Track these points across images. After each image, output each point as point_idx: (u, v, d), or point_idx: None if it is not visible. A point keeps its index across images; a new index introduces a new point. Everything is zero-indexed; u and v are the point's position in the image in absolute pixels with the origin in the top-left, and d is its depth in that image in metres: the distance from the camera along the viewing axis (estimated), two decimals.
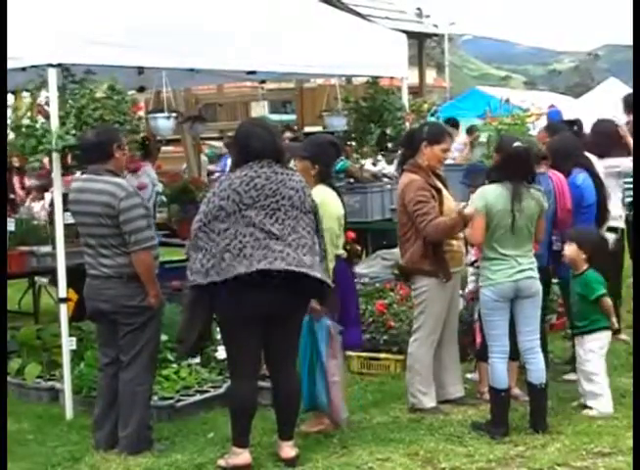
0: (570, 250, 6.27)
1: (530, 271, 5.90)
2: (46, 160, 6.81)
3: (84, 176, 5.84)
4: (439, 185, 6.36)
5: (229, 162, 12.02)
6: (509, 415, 5.96)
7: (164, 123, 7.23)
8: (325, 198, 5.83)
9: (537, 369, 5.93)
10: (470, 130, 14.54)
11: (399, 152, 8.42)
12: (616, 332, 6.65)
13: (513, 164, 5.89)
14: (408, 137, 6.64)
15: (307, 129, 13.35)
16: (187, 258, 5.47)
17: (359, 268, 8.99)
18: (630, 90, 13.84)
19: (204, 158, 16.42)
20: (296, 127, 14.34)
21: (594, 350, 6.21)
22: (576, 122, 8.43)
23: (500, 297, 5.85)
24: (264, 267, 5.20)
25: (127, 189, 5.66)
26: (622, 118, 9.57)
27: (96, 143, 5.75)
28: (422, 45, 17.99)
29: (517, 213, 5.81)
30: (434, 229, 6.14)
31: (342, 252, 6.09)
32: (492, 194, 5.88)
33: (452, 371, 6.54)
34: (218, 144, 18.57)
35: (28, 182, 11.47)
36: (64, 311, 6.34)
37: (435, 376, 6.43)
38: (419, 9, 18.75)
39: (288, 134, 11.12)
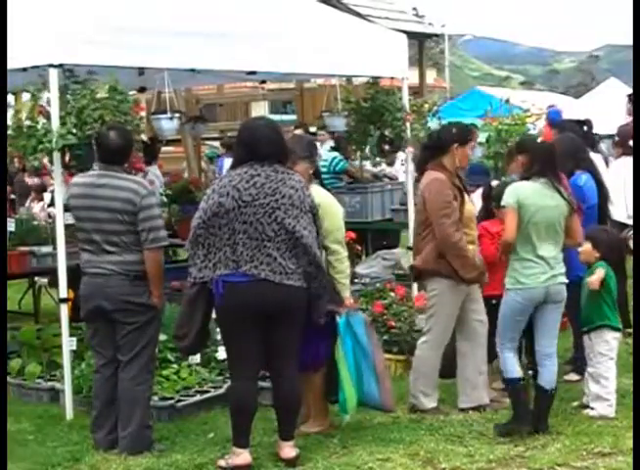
0: (583, 248, 6.25)
1: (562, 276, 5.86)
2: (45, 160, 6.81)
3: (96, 172, 5.82)
4: (461, 186, 6.39)
5: (226, 162, 12.05)
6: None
7: (168, 124, 7.23)
8: (326, 198, 5.84)
9: (551, 373, 5.91)
10: None
11: (411, 153, 8.45)
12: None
13: (547, 158, 5.89)
14: (437, 139, 6.52)
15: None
16: (189, 255, 5.49)
17: (359, 268, 9.00)
18: (630, 90, 13.87)
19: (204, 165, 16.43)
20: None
21: (603, 352, 6.21)
22: (586, 122, 8.42)
23: (529, 301, 5.79)
24: (247, 271, 5.24)
25: (148, 188, 5.71)
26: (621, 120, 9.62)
27: (123, 144, 5.75)
28: (422, 45, 17.98)
29: (545, 208, 5.78)
30: (455, 241, 6.10)
31: None
32: (525, 189, 5.84)
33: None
34: (218, 144, 18.59)
35: (30, 181, 11.49)
36: (64, 311, 6.33)
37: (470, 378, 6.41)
38: (415, 8, 18.74)
39: (299, 131, 11.09)
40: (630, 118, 10.52)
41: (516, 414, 5.89)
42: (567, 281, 5.90)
